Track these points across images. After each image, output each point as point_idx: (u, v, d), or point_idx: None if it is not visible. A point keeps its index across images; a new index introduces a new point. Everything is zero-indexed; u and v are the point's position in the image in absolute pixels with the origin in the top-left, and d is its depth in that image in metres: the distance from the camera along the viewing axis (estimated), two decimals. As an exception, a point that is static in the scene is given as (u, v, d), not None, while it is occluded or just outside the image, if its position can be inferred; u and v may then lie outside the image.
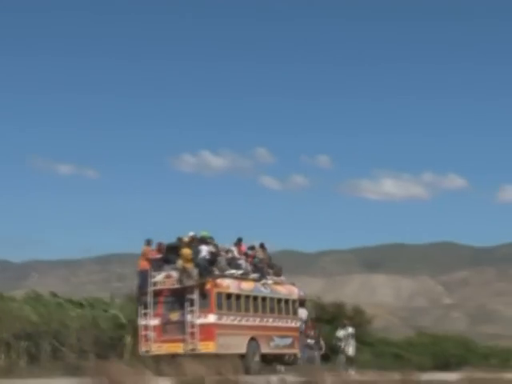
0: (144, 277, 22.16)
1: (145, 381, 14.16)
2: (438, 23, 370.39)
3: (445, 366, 42.99)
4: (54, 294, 32.52)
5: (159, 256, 22.45)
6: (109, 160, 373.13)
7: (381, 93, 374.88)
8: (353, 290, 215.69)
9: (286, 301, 25.25)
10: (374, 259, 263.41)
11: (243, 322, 22.65)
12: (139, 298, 22.51)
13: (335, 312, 42.94)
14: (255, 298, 23.55)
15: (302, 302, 26.27)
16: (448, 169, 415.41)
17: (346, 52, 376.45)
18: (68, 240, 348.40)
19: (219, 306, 21.90)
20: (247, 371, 20.91)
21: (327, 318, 42.19)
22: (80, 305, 31.19)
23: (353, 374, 24.63)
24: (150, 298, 22.07)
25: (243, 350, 22.22)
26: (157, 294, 22.07)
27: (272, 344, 23.75)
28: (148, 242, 22.74)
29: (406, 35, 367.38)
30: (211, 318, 21.44)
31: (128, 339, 29.10)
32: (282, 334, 24.43)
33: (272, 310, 24.27)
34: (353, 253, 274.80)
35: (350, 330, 28.06)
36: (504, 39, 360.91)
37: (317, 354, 25.41)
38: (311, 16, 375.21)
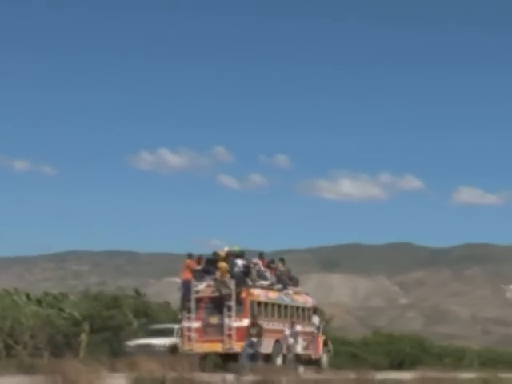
0: (187, 286, 25.45)
1: (99, 379, 14.04)
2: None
3: (400, 365, 43.40)
4: (8, 291, 32.13)
5: (199, 268, 25.78)
6: (66, 156, 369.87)
7: (338, 94, 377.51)
8: (310, 290, 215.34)
9: (303, 309, 28.63)
10: (332, 259, 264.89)
11: (270, 326, 25.63)
12: (183, 304, 25.65)
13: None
14: (279, 305, 26.85)
15: (315, 310, 29.59)
16: (405, 170, 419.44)
17: (302, 51, 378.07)
18: (23, 237, 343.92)
19: (252, 312, 25.02)
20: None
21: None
22: (37, 302, 30.87)
23: (301, 371, 24.68)
24: (192, 304, 25.18)
25: (270, 351, 25.21)
26: (198, 300, 25.19)
27: (293, 347, 26.64)
28: (190, 256, 26.36)
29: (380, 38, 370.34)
30: (246, 322, 24.58)
31: (83, 337, 28.89)
32: (298, 338, 27.13)
33: (292, 317, 27.39)
34: (310, 252, 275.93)
35: (298, 328, 26.80)
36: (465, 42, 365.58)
37: (258, 352, 24.69)
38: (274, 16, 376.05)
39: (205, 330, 24.93)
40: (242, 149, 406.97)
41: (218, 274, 24.99)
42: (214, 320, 24.90)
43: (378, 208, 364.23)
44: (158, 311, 34.82)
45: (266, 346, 25.16)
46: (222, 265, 25.01)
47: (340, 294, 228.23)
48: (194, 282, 25.29)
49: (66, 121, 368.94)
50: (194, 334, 24.92)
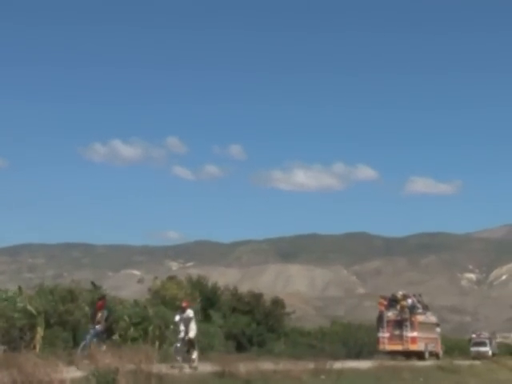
0: (381, 313, 42.32)
1: (56, 372, 13.88)
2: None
3: (358, 355, 43.74)
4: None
5: (386, 303, 43.01)
6: (17, 148, 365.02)
7: (289, 82, 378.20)
8: (268, 280, 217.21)
9: (433, 324, 46.15)
10: (289, 249, 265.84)
11: (423, 335, 42.51)
12: (380, 324, 41.99)
13: (252, 302, 43.06)
14: (424, 323, 43.44)
15: (437, 324, 47.52)
16: (358, 160, 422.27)
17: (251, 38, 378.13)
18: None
19: (417, 328, 41.93)
20: (422, 359, 41.24)
21: (245, 308, 42.21)
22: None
23: (194, 363, 22.64)
24: (384, 324, 42.00)
25: (423, 349, 42.67)
26: (388, 321, 41.91)
27: (430, 346, 44.02)
28: (382, 297, 44.48)
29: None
30: (415, 333, 41.69)
31: (39, 331, 28.53)
32: (432, 341, 44.82)
33: (429, 329, 44.48)
34: (268, 243, 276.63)
35: (189, 313, 25.33)
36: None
37: (97, 339, 23.08)
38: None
39: (391, 337, 41.61)
40: (195, 139, 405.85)
41: (398, 307, 42.28)
42: (397, 332, 41.64)
43: (333, 198, 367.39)
44: (114, 304, 34.52)
45: (422, 346, 42.56)
46: (403, 303, 42.43)
47: (298, 284, 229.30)
48: (385, 311, 42.34)
49: (16, 112, 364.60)
50: (385, 340, 41.64)
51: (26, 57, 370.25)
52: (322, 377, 22.80)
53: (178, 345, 24.08)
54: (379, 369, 28.22)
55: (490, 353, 55.60)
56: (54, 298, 31.67)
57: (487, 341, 58.37)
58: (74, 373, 14.79)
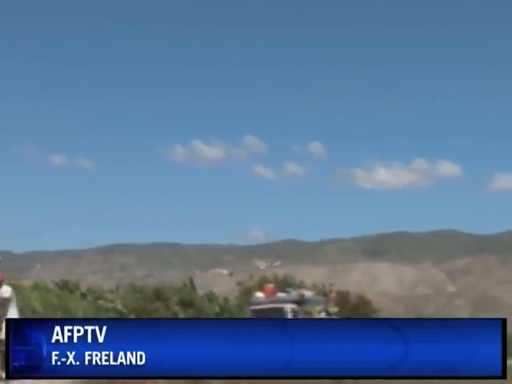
0: None
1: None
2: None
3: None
4: (57, 284, 32.58)
5: None
6: (102, 150, 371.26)
7: (368, 78, 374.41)
8: (355, 279, 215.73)
9: None
10: (376, 248, 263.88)
11: None
12: None
13: (340, 301, 42.94)
14: None
15: None
16: (439, 156, 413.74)
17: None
18: (67, 231, 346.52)
19: None
20: None
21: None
22: (83, 295, 31.26)
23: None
24: None
25: None
26: None
27: None
28: None
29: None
30: None
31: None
32: None
33: None
34: (354, 241, 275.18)
35: (5, 291, 15.78)
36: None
37: None
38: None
39: None
40: (274, 138, 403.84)
41: None
42: None
43: (417, 195, 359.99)
44: (203, 302, 35.03)
45: None
46: None
47: (386, 282, 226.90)
48: None
49: (100, 114, 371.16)
50: None
51: (106, 56, 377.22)
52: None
53: None
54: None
55: None
56: (142, 296, 32.37)
57: (287, 307, 25.31)
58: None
